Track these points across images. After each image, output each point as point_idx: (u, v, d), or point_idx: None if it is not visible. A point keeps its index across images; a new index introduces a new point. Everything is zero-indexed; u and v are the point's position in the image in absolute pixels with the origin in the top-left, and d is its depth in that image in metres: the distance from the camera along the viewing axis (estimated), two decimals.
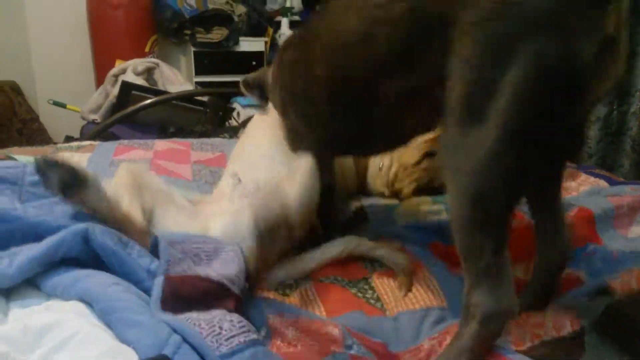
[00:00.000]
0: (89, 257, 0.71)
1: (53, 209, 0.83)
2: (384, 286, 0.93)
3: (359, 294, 0.92)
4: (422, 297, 0.90)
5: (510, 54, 0.61)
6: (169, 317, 0.62)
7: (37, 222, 0.75)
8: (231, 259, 0.77)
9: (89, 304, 0.64)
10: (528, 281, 0.90)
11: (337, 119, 0.95)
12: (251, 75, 1.23)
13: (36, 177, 0.82)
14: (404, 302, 0.89)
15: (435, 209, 1.24)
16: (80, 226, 0.70)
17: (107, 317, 0.62)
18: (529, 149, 0.64)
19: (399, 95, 0.81)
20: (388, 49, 0.77)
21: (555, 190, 0.85)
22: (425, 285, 0.93)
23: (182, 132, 2.37)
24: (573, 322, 0.78)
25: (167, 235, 0.79)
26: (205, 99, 2.55)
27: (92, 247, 0.70)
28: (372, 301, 0.90)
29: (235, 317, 0.63)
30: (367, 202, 1.34)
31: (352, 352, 0.74)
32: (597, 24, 0.61)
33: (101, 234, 0.70)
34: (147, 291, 0.68)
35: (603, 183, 1.38)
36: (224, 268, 0.75)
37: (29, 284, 0.70)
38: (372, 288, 0.93)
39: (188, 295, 0.68)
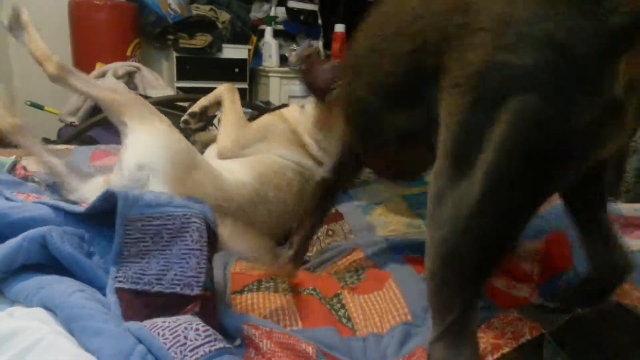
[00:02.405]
0: (53, 261, 0.70)
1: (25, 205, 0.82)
2: (354, 303, 0.95)
3: (332, 311, 0.93)
4: (386, 317, 0.91)
5: (496, 111, 0.57)
6: (133, 325, 0.61)
7: None
8: (192, 247, 0.74)
9: (52, 311, 0.63)
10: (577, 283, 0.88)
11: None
12: None
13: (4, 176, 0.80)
14: (372, 323, 0.90)
15: (416, 223, 1.26)
16: (38, 231, 0.68)
17: (70, 325, 0.61)
18: (515, 206, 0.60)
19: (397, 130, 0.80)
20: (392, 81, 0.76)
21: (598, 209, 0.81)
22: (389, 300, 0.94)
23: None
24: (532, 331, 0.78)
25: (131, 201, 0.75)
26: (186, 104, 2.54)
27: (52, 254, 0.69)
28: (343, 320, 0.92)
29: (201, 325, 0.62)
30: (343, 208, 1.36)
31: None
32: (602, 85, 0.54)
33: (60, 240, 0.68)
34: None
35: None
36: (180, 265, 0.71)
37: None
38: (343, 306, 0.94)
39: (144, 312, 0.67)
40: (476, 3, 0.60)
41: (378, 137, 0.86)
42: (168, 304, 0.69)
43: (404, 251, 1.10)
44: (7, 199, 0.90)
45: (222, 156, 1.38)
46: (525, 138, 0.56)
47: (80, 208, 0.79)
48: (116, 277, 0.69)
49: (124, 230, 0.72)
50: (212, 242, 0.79)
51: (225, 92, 1.52)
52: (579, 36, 0.53)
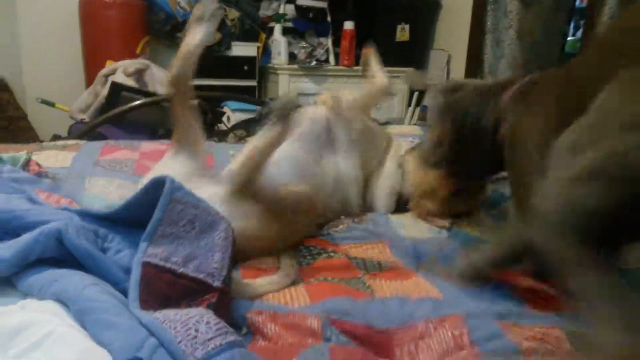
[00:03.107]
0: (67, 257, 0.70)
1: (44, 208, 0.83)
2: (380, 283, 0.92)
3: (350, 286, 0.90)
4: (413, 293, 0.88)
5: None
6: (145, 316, 0.61)
7: (9, 217, 0.74)
8: (218, 242, 0.76)
9: (65, 304, 0.63)
10: None
11: None
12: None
13: (15, 174, 0.81)
14: (396, 290, 0.88)
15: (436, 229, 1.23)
16: (54, 226, 0.69)
17: (83, 318, 0.61)
18: None
19: None
20: None
21: None
22: (417, 282, 0.92)
23: (172, 133, 2.36)
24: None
25: (177, 184, 0.77)
26: (195, 102, 2.55)
27: (67, 248, 0.69)
28: (360, 286, 0.89)
29: (213, 318, 0.62)
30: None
31: (331, 342, 0.73)
32: None
33: (75, 235, 0.69)
34: (125, 292, 0.67)
35: None
36: (206, 257, 0.74)
37: (6, 282, 0.69)
38: (364, 283, 0.92)
39: (165, 292, 0.67)
40: None
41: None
42: (189, 289, 0.70)
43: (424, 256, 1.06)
44: (30, 199, 0.91)
45: None
46: None
47: (102, 211, 0.80)
48: (146, 252, 0.70)
49: (164, 210, 0.74)
50: (234, 246, 0.80)
51: None
52: None
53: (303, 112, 1.28)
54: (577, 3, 3.44)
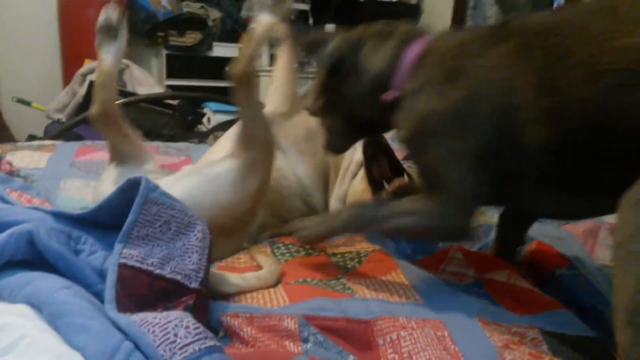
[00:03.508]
0: (39, 259, 0.68)
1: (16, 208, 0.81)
2: (355, 283, 0.92)
3: (328, 288, 0.89)
4: (395, 293, 0.89)
5: None
6: (123, 319, 0.60)
7: None
8: (195, 244, 0.75)
9: (37, 307, 0.62)
10: None
11: None
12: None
13: None
14: (378, 295, 0.87)
15: None
16: (25, 228, 0.67)
17: (55, 321, 0.59)
18: None
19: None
20: None
21: None
22: (395, 285, 0.92)
23: (150, 134, 2.33)
24: None
25: (153, 185, 0.75)
26: (175, 102, 2.53)
27: (38, 250, 0.67)
28: (339, 288, 0.89)
29: (192, 322, 0.61)
30: None
31: (309, 345, 0.73)
32: None
33: (47, 236, 0.67)
34: (99, 295, 0.66)
35: None
36: (182, 258, 0.73)
37: None
38: (344, 285, 0.91)
39: (142, 293, 0.66)
40: None
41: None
42: (166, 290, 0.69)
43: (416, 256, 1.07)
44: (1, 198, 0.89)
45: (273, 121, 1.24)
46: None
47: (75, 212, 0.78)
48: (121, 253, 0.68)
49: (140, 211, 0.72)
50: (211, 248, 0.79)
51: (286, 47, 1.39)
52: None
53: None
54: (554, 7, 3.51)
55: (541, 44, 0.76)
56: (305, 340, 0.74)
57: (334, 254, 1.04)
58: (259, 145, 1.02)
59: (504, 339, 0.77)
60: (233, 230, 1.02)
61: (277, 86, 1.38)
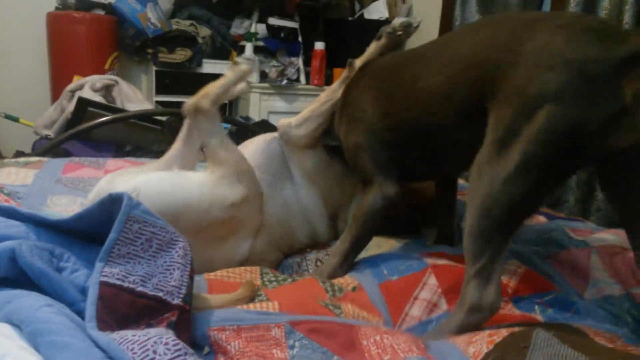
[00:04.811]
0: (21, 277, 0.68)
1: None
2: (347, 307, 0.94)
3: (317, 302, 0.91)
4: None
5: (533, 112, 0.80)
6: (102, 337, 0.60)
7: None
8: (177, 260, 0.76)
9: (17, 326, 0.62)
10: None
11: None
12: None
13: None
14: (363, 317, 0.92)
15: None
16: (7, 245, 0.67)
17: (36, 340, 0.59)
18: (538, 179, 0.82)
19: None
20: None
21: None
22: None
23: (139, 150, 2.33)
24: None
25: (135, 202, 0.77)
26: (163, 118, 2.53)
27: (20, 267, 0.67)
28: (330, 307, 0.90)
29: (172, 339, 0.61)
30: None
31: (295, 351, 0.75)
32: (612, 95, 0.77)
33: (30, 254, 0.67)
34: (81, 312, 0.66)
35: (542, 218, 1.40)
36: (164, 275, 0.73)
37: None
38: (334, 305, 0.92)
39: (123, 311, 0.66)
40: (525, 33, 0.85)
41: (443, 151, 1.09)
42: (148, 308, 0.69)
43: (392, 276, 1.08)
44: None
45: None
46: (553, 132, 0.79)
47: (57, 218, 0.78)
48: (102, 272, 0.69)
49: (121, 228, 0.73)
50: (192, 264, 0.79)
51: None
52: (594, 62, 0.77)
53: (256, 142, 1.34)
54: None
55: (377, 85, 1.17)
56: (292, 347, 0.76)
57: (324, 282, 1.04)
58: (231, 164, 1.10)
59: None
60: (219, 237, 1.07)
61: (310, 113, 1.31)
